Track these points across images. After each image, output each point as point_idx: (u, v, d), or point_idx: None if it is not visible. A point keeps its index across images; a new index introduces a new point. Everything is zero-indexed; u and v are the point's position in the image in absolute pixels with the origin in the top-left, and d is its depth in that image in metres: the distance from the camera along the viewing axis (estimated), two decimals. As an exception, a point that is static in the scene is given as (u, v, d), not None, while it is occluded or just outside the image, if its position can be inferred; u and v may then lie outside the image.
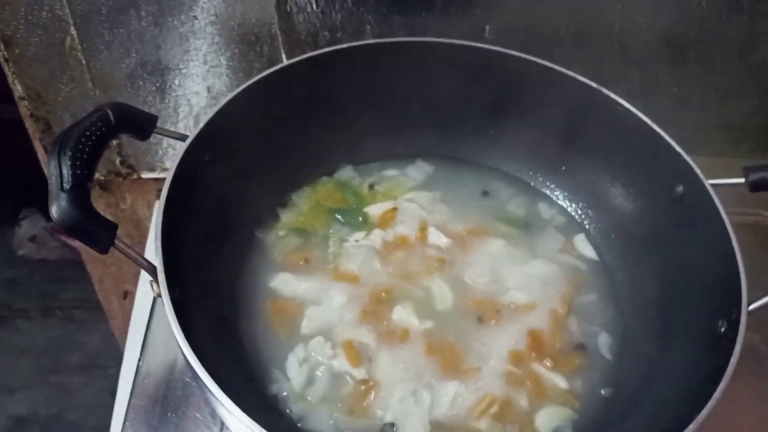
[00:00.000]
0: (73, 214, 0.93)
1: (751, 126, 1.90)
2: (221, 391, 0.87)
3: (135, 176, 1.83)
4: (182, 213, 1.10)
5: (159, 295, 0.96)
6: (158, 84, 1.69)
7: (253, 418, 0.88)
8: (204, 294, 1.12)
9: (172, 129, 1.63)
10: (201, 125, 1.14)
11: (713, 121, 1.86)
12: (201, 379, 0.89)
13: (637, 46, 1.54)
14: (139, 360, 1.29)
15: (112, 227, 0.96)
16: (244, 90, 1.20)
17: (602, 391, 1.17)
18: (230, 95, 1.20)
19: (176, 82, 1.66)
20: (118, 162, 1.82)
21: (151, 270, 0.97)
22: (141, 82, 1.69)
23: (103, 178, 1.85)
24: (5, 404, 2.86)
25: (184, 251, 1.09)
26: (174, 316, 0.92)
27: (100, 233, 0.95)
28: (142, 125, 1.10)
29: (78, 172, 0.95)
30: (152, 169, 1.81)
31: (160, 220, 1.01)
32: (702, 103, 1.83)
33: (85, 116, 1.03)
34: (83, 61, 1.64)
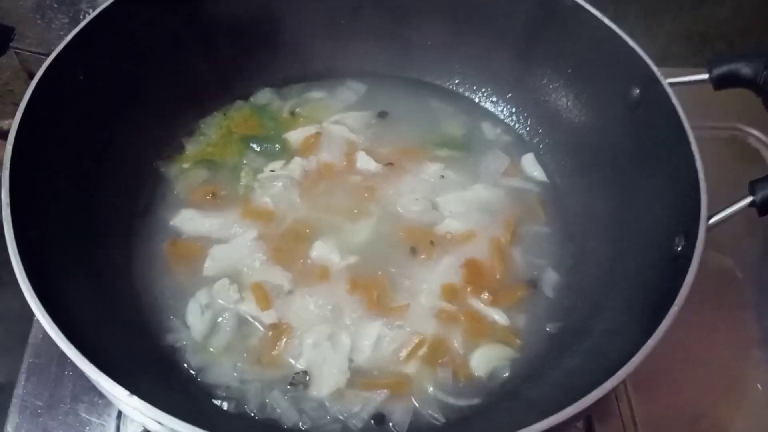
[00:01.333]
0: None
1: (729, 33, 1.73)
2: (67, 342, 0.72)
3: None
4: (49, 139, 0.94)
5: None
6: (70, 14, 1.51)
7: (127, 379, 0.72)
8: (83, 235, 0.96)
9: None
10: (67, 38, 0.97)
11: (686, 27, 1.70)
12: (50, 333, 0.74)
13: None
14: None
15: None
16: (124, -4, 1.03)
17: (548, 327, 1.03)
18: (107, 2, 1.02)
19: (90, 11, 1.47)
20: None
21: (-5, 203, 0.81)
22: (51, 13, 1.51)
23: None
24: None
25: (51, 186, 0.93)
26: (18, 258, 0.77)
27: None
28: (-8, 39, 0.93)
29: None
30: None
31: (11, 148, 0.85)
32: (675, 7, 1.66)
33: None
34: (-17, -9, 1.46)
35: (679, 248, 0.90)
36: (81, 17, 1.50)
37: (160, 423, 0.69)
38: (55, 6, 1.50)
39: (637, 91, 1.05)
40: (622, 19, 1.08)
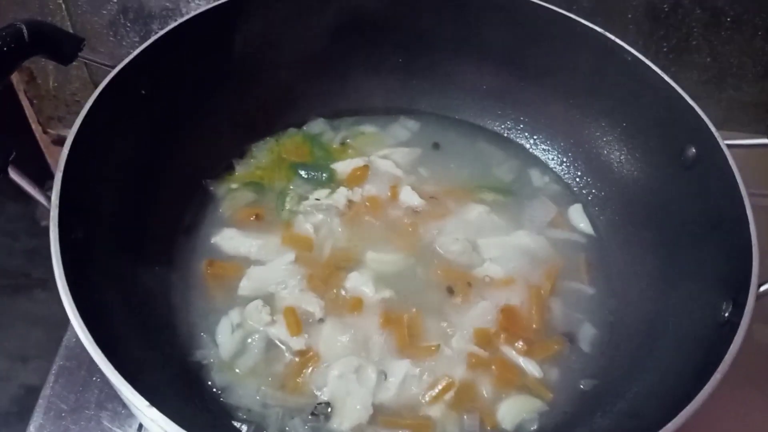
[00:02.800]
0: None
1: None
2: (95, 346, 0.72)
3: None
4: (104, 148, 0.97)
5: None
6: (142, 33, 1.58)
7: (149, 390, 0.72)
8: (125, 244, 0.98)
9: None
10: (135, 52, 1.01)
11: (748, 97, 1.66)
12: (80, 336, 0.75)
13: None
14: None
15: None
16: (200, 14, 1.06)
17: (581, 384, 0.99)
18: (181, 18, 1.06)
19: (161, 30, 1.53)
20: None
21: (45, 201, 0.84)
22: (123, 31, 1.58)
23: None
24: (18, 373, 2.82)
25: (102, 191, 0.96)
26: (59, 258, 0.78)
27: None
28: (63, 46, 0.97)
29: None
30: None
31: (67, 152, 0.88)
32: (738, 75, 1.63)
33: (-4, 30, 0.91)
34: (63, 6, 1.54)
35: (726, 314, 0.86)
36: (151, 35, 1.56)
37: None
38: (128, 25, 1.57)
39: (693, 150, 1.03)
40: (683, 83, 1.07)
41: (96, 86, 0.97)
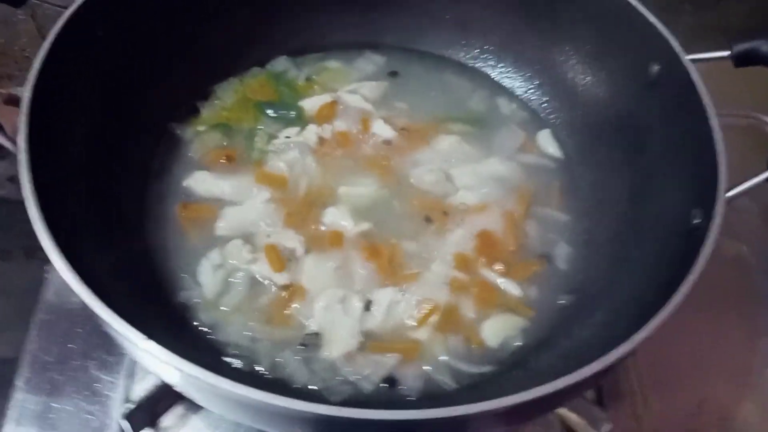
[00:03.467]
0: None
1: (750, 28, 1.73)
2: (88, 290, 0.71)
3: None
4: (66, 92, 0.93)
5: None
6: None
7: (141, 329, 0.72)
8: (97, 190, 0.96)
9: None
10: (90, -10, 0.96)
11: (709, 21, 1.69)
12: (65, 279, 0.73)
13: None
14: (46, 273, 1.15)
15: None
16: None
17: (560, 300, 1.03)
18: (128, -42, 1.01)
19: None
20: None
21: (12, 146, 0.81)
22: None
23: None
24: (-11, 346, 2.77)
25: (69, 134, 0.93)
26: (35, 201, 0.76)
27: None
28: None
29: None
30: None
31: (29, 96, 0.85)
32: (695, 1, 1.66)
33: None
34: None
35: (696, 221, 0.89)
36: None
37: (179, 369, 0.68)
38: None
39: (657, 67, 1.05)
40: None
41: (44, 39, 0.93)
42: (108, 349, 1.06)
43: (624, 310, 0.89)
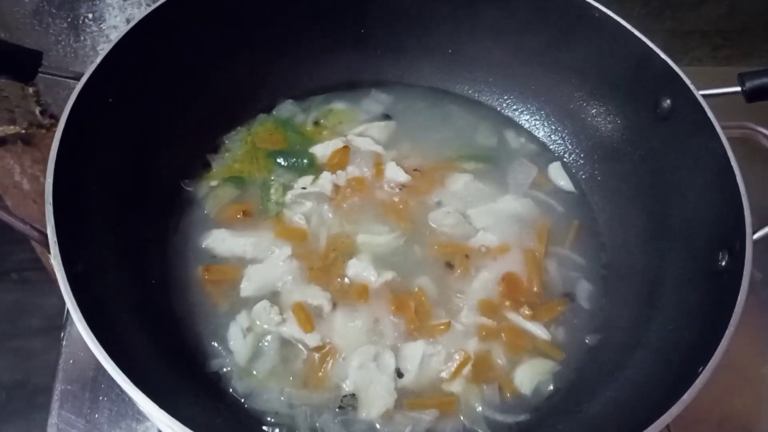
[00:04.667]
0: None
1: (728, 31, 1.76)
2: (127, 380, 0.71)
3: (60, 126, 1.62)
4: (84, 169, 0.92)
5: (60, 270, 0.79)
6: (69, 19, 1.47)
7: (177, 408, 0.72)
8: (122, 265, 0.94)
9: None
10: (97, 60, 0.94)
11: (687, 26, 1.71)
12: (107, 369, 0.72)
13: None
14: (62, 340, 1.12)
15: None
16: (151, 14, 1.00)
17: (587, 339, 1.04)
18: (131, 24, 0.99)
19: (90, 15, 1.44)
20: (38, 112, 1.61)
21: (43, 241, 0.79)
22: (50, 19, 1.46)
23: (24, 131, 1.64)
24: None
25: (90, 216, 0.91)
26: (72, 295, 0.75)
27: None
28: (24, 64, 0.90)
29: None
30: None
31: (51, 181, 0.83)
32: (675, 6, 1.67)
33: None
34: (-22, -1, 1.41)
35: (723, 263, 0.91)
36: (80, 22, 1.47)
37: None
38: (54, 11, 1.46)
39: (668, 101, 1.06)
40: (626, 20, 1.09)
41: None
42: (134, 417, 1.05)
43: (661, 356, 0.91)
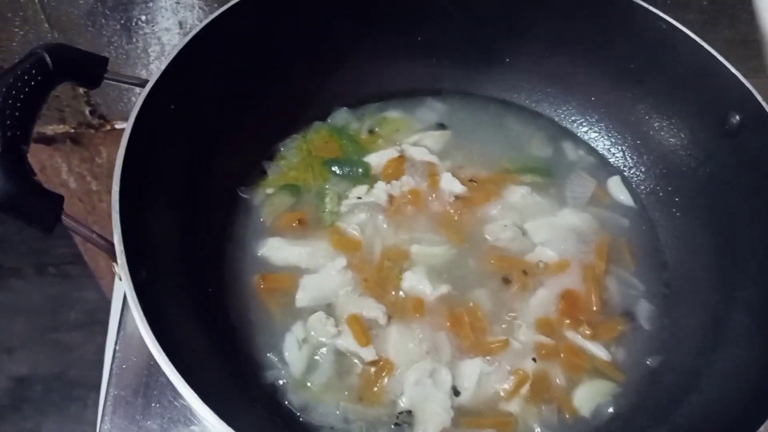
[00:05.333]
0: (5, 187, 0.74)
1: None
2: (191, 391, 0.70)
3: (108, 127, 1.63)
4: (146, 177, 0.91)
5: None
6: (123, 21, 1.48)
7: (235, 418, 0.71)
8: (181, 272, 0.94)
9: (143, 73, 1.43)
10: (162, 67, 0.94)
11: (746, 35, 1.66)
12: (171, 380, 0.72)
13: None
14: (116, 344, 1.13)
15: (57, 201, 0.78)
16: (211, 23, 1.00)
17: (648, 361, 1.01)
18: (194, 30, 0.99)
19: (143, 17, 1.45)
20: (87, 112, 1.62)
21: (109, 250, 0.79)
22: (103, 20, 1.47)
23: (73, 130, 1.66)
24: (5, 365, 2.76)
25: (152, 223, 0.91)
26: (138, 304, 0.75)
27: (40, 209, 0.77)
28: (90, 70, 0.90)
29: (8, 133, 0.76)
30: (127, 118, 1.62)
31: (117, 189, 0.83)
32: (732, 15, 1.63)
33: (16, 63, 0.84)
34: (36, -1, 1.43)
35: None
36: (133, 24, 1.47)
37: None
38: (108, 13, 1.47)
39: (738, 117, 1.02)
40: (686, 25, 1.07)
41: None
42: (187, 423, 1.05)
43: (730, 383, 0.88)
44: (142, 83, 0.94)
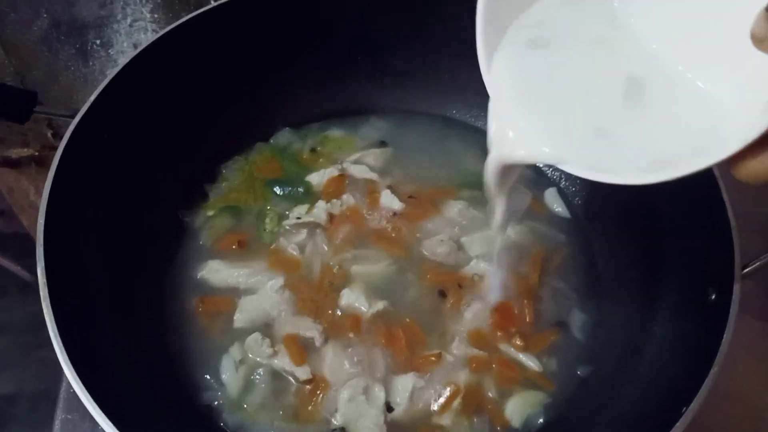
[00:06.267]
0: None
1: None
2: (103, 415, 0.74)
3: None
4: (78, 207, 0.93)
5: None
6: (78, 45, 1.50)
7: None
8: (116, 298, 0.96)
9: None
10: (91, 99, 0.96)
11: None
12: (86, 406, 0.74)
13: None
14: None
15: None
16: (141, 53, 1.02)
17: (579, 371, 1.03)
18: (124, 62, 1.01)
19: (98, 41, 1.48)
20: (50, 135, 1.64)
21: (34, 282, 0.81)
22: (58, 45, 1.50)
23: (37, 153, 1.68)
24: (-10, 385, 2.77)
25: (85, 251, 0.93)
26: (57, 334, 0.78)
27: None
28: (17, 105, 0.92)
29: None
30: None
31: (42, 222, 0.85)
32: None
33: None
34: (-10, 26, 1.45)
35: (713, 296, 0.90)
36: (88, 47, 1.50)
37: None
38: (62, 38, 1.49)
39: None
40: None
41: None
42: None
43: (651, 389, 0.90)
44: (72, 114, 0.95)
